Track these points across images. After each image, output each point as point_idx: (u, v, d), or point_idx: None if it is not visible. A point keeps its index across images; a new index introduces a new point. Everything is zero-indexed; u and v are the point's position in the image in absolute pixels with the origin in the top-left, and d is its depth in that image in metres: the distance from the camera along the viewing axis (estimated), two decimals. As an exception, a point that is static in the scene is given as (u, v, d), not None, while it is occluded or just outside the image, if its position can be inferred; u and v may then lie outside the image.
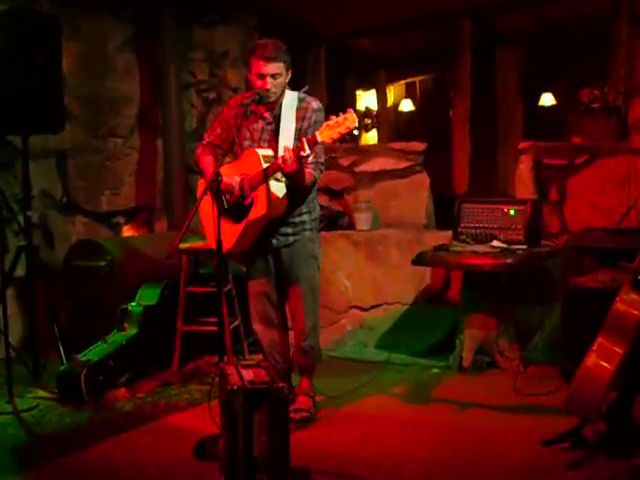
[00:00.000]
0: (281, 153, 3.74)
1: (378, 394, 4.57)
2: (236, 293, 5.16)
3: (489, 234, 4.95)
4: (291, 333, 4.28)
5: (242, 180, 3.90)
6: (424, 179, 6.17)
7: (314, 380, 4.27)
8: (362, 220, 5.98)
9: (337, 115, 3.54)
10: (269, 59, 3.82)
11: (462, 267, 4.92)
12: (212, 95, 6.62)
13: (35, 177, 5.47)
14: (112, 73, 6.25)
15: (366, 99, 9.89)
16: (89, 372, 4.53)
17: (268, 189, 3.81)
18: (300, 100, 4.02)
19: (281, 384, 3.09)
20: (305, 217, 4.08)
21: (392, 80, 9.91)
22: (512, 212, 4.93)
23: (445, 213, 5.62)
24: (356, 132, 3.55)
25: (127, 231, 6.43)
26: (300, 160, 3.68)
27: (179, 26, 6.25)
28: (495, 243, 4.85)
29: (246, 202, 3.89)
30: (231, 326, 5.09)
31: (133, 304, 5.09)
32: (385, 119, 9.65)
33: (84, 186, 6.26)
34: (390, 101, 10.06)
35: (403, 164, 6.21)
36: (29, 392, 4.70)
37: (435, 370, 5.04)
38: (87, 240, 5.63)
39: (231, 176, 3.89)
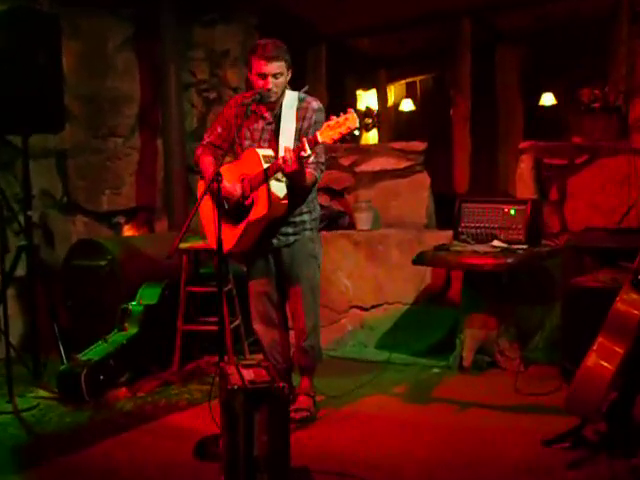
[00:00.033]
0: (282, 153, 3.74)
1: (378, 394, 4.57)
2: (236, 293, 5.16)
3: (489, 234, 4.95)
4: (291, 333, 4.27)
5: (242, 180, 3.90)
6: (424, 179, 6.17)
7: (314, 380, 4.27)
8: (363, 220, 5.98)
9: (338, 115, 3.54)
10: (270, 58, 3.82)
11: (463, 267, 4.92)
12: (212, 95, 6.62)
13: (35, 177, 5.47)
14: (112, 72, 6.25)
15: (366, 99, 9.89)
16: (89, 372, 4.53)
17: (269, 189, 3.81)
18: (300, 100, 4.02)
19: (281, 384, 3.09)
20: (305, 217, 4.08)
21: (392, 80, 9.91)
22: (512, 212, 4.93)
23: (445, 213, 5.62)
24: (357, 132, 3.55)
25: (127, 231, 6.44)
26: (301, 160, 3.68)
27: (179, 25, 6.25)
28: (495, 243, 4.85)
29: (246, 202, 3.89)
30: (231, 326, 5.09)
31: (133, 304, 5.09)
32: (386, 119, 9.65)
33: (84, 186, 6.26)
34: (390, 101, 10.06)
35: (404, 164, 6.21)
36: (29, 392, 4.70)
37: (435, 370, 5.04)
38: (87, 240, 5.63)
39: (231, 179, 3.89)
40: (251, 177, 3.85)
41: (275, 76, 3.85)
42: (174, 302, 5.06)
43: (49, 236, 6.16)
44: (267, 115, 4.01)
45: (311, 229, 4.13)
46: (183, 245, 4.84)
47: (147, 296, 5.14)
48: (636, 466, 3.24)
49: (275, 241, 4.06)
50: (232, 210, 3.91)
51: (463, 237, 5.02)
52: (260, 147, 3.95)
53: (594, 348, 3.31)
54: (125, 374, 4.81)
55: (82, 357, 4.70)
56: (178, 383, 4.84)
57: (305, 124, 3.96)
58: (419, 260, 4.90)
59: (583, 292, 4.43)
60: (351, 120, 3.50)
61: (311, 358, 4.21)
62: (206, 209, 3.99)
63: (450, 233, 5.21)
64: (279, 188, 3.84)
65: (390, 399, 4.52)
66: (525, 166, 5.49)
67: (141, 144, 6.44)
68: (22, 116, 4.90)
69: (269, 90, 3.85)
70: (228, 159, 4.10)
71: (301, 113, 3.98)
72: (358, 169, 6.33)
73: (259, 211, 3.85)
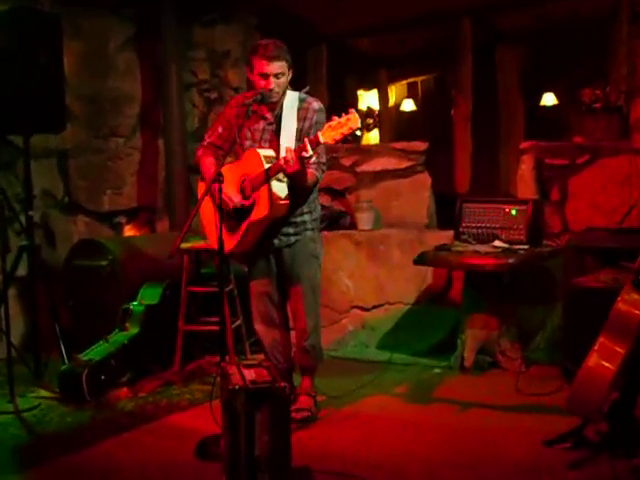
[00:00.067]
0: (283, 154, 3.74)
1: (380, 394, 4.57)
2: (238, 293, 5.16)
3: (491, 234, 4.95)
4: (293, 333, 4.27)
5: (243, 181, 3.90)
6: (426, 179, 6.17)
7: (315, 380, 4.27)
8: (364, 220, 5.98)
9: (339, 115, 3.54)
10: (272, 58, 3.82)
11: (464, 267, 4.92)
12: (214, 95, 6.62)
13: (37, 177, 5.48)
14: (113, 72, 6.25)
15: (367, 99, 9.89)
16: (91, 372, 4.54)
17: (270, 190, 3.80)
18: (301, 100, 4.02)
19: (283, 384, 3.09)
20: (306, 217, 4.08)
21: (393, 80, 9.90)
22: (514, 212, 4.93)
23: (447, 213, 5.62)
24: (359, 132, 3.55)
25: (129, 231, 6.44)
26: (302, 161, 3.68)
27: (180, 25, 6.24)
28: (497, 243, 4.85)
29: (247, 203, 3.89)
30: (233, 326, 5.09)
31: (135, 304, 5.10)
32: (387, 119, 9.64)
33: (86, 186, 6.26)
34: (392, 101, 10.05)
35: (405, 164, 6.21)
36: (30, 391, 4.71)
37: (437, 370, 5.04)
38: (89, 240, 5.63)
39: (232, 179, 3.89)
40: (252, 177, 3.85)
41: (277, 76, 3.85)
42: (175, 302, 5.06)
43: (50, 236, 6.16)
44: (268, 115, 4.01)
45: (312, 229, 4.13)
46: (184, 245, 4.84)
47: (148, 296, 5.14)
48: (637, 466, 3.24)
49: (276, 241, 4.06)
50: (233, 211, 3.91)
51: (464, 237, 5.02)
52: (261, 147, 3.95)
53: (595, 348, 3.31)
54: (126, 374, 4.81)
55: (83, 357, 4.70)
56: (179, 383, 4.84)
57: (306, 124, 3.96)
58: (420, 260, 4.90)
59: (584, 292, 4.43)
60: (353, 120, 3.51)
61: (312, 358, 4.21)
62: (207, 209, 3.99)
63: (451, 233, 5.21)
64: (280, 188, 3.84)
65: (391, 399, 4.52)
66: (526, 166, 5.48)
67: (142, 144, 6.45)
68: (23, 116, 4.90)
69: (271, 90, 3.85)
70: (229, 159, 4.10)
71: (302, 113, 3.98)
72: (359, 169, 6.33)
73: (260, 211, 3.85)
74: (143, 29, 6.33)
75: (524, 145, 5.60)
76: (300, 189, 3.93)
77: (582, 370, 3.32)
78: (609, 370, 3.24)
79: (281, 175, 3.80)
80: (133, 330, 4.99)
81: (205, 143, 4.16)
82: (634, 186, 5.03)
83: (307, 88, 4.18)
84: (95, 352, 4.75)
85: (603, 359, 3.27)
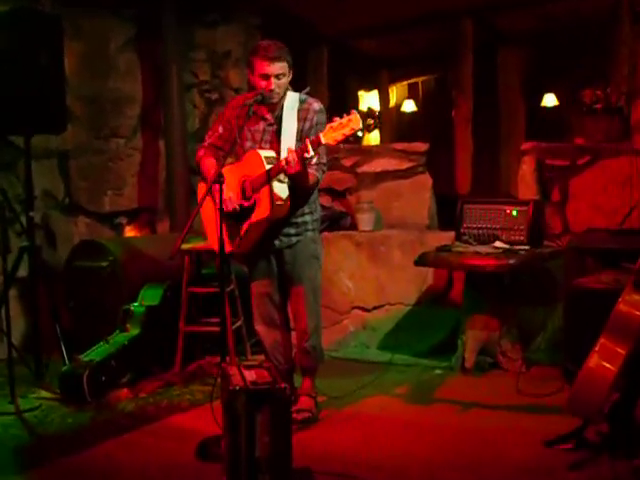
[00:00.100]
0: (284, 155, 3.74)
1: (380, 395, 4.57)
2: (239, 294, 5.16)
3: (491, 235, 4.95)
4: (293, 334, 4.27)
5: (244, 182, 3.90)
6: (426, 180, 6.17)
7: (316, 381, 4.27)
8: (365, 221, 5.98)
9: (341, 117, 3.54)
10: (273, 59, 3.82)
11: (464, 268, 4.92)
12: (214, 96, 6.62)
13: (37, 177, 5.48)
14: (114, 73, 6.25)
15: (368, 99, 9.89)
16: (91, 372, 4.53)
17: (271, 191, 3.80)
18: (301, 101, 4.02)
19: (283, 385, 3.09)
20: (307, 218, 4.08)
21: (394, 80, 9.91)
22: (514, 213, 4.93)
23: (447, 214, 5.61)
24: (360, 134, 3.55)
25: (129, 232, 6.44)
26: (304, 162, 3.68)
27: (180, 26, 6.25)
28: (497, 244, 4.84)
29: (248, 204, 3.89)
30: (233, 327, 5.09)
31: (135, 304, 5.10)
32: (387, 120, 9.65)
33: (86, 187, 6.26)
34: (392, 102, 10.06)
35: (405, 165, 6.21)
36: (31, 392, 4.70)
37: (437, 371, 5.04)
38: (89, 240, 5.63)
39: (233, 180, 3.89)
40: (253, 178, 3.85)
41: (278, 77, 3.86)
42: (176, 303, 5.06)
43: (51, 237, 6.16)
44: (268, 116, 4.01)
45: (313, 230, 4.13)
46: (185, 246, 4.84)
47: (149, 297, 5.14)
48: (638, 467, 3.24)
49: (277, 242, 4.06)
50: (234, 211, 3.91)
51: (465, 238, 5.02)
52: (261, 148, 3.95)
53: (596, 349, 3.31)
54: (127, 375, 4.81)
55: (84, 358, 4.69)
56: (180, 384, 4.84)
57: (306, 125, 3.96)
58: (421, 261, 4.90)
59: (585, 293, 4.42)
60: (354, 121, 3.50)
61: (313, 359, 4.21)
62: (208, 210, 3.99)
63: (452, 234, 5.21)
64: (281, 189, 3.84)
65: (392, 400, 4.52)
66: (527, 167, 5.48)
67: (143, 145, 6.45)
68: (24, 117, 4.90)
69: (272, 91, 3.86)
70: (230, 160, 4.10)
71: (302, 114, 3.98)
72: (360, 170, 6.33)
73: (261, 212, 3.85)
74: (144, 30, 6.33)
75: (525, 146, 5.60)
76: (301, 190, 3.93)
77: (583, 371, 3.31)
78: (610, 371, 3.24)
79: (282, 176, 3.79)
80: (134, 331, 4.98)
81: (206, 144, 4.16)
82: (635, 187, 5.03)
83: (308, 89, 4.18)
84: (96, 353, 4.75)
85: (604, 360, 3.27)
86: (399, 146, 6.35)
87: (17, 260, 4.99)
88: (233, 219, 3.92)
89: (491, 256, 4.67)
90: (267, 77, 3.85)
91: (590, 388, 3.27)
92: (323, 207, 4.45)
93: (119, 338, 4.92)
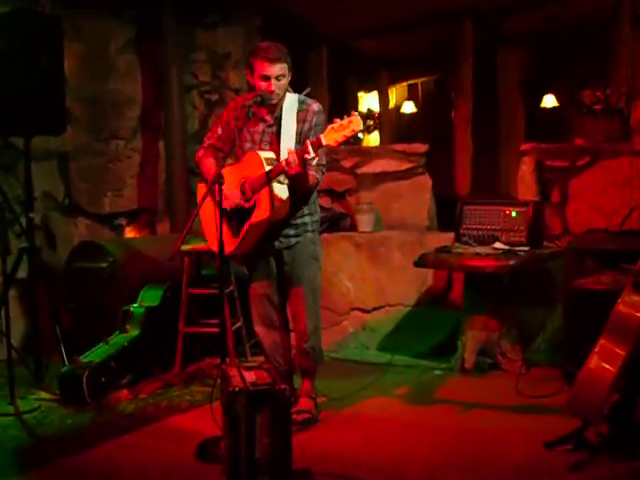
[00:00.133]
0: (284, 156, 3.74)
1: (380, 396, 4.56)
2: (238, 295, 5.16)
3: (491, 236, 4.95)
4: (293, 335, 4.27)
5: (244, 183, 3.90)
6: (426, 181, 6.17)
7: (316, 382, 4.27)
8: (364, 222, 5.97)
9: (341, 118, 3.54)
10: (273, 60, 3.83)
11: (464, 269, 4.92)
12: (214, 97, 6.62)
13: (37, 179, 5.47)
14: (114, 74, 6.25)
15: (368, 101, 9.90)
16: (91, 373, 4.53)
17: (271, 192, 3.80)
18: (300, 102, 4.02)
19: (283, 386, 3.09)
20: (307, 219, 4.09)
21: (394, 82, 9.93)
22: (514, 214, 4.93)
23: (447, 215, 5.62)
24: (361, 135, 3.55)
25: (129, 233, 6.44)
26: (304, 163, 3.68)
27: (181, 27, 6.25)
28: (497, 245, 4.85)
29: (248, 205, 3.89)
30: (233, 328, 5.09)
31: (135, 305, 5.10)
32: (387, 121, 9.66)
33: (86, 188, 6.26)
34: (392, 103, 10.07)
35: (405, 166, 6.20)
36: (31, 393, 4.70)
37: (437, 372, 5.04)
38: (89, 242, 5.62)
39: (233, 181, 3.89)
40: (253, 180, 3.85)
41: (278, 78, 3.86)
42: (176, 304, 5.06)
43: (51, 238, 6.16)
44: (267, 118, 4.01)
45: (312, 231, 4.13)
46: (185, 247, 4.83)
47: (149, 298, 5.14)
48: (638, 468, 3.24)
49: (276, 243, 4.06)
50: (233, 212, 3.91)
51: (465, 239, 5.02)
52: (261, 149, 3.95)
53: (596, 350, 3.31)
54: (127, 376, 4.81)
55: (84, 359, 4.69)
56: (180, 385, 4.84)
57: (306, 126, 3.96)
58: (421, 262, 4.90)
59: (585, 294, 4.42)
60: (355, 123, 3.51)
61: (312, 360, 4.21)
62: (207, 211, 3.99)
63: (452, 235, 5.21)
64: (281, 190, 3.84)
65: (392, 401, 4.52)
66: (527, 168, 5.48)
67: (143, 146, 6.45)
68: (24, 118, 4.90)
69: (272, 92, 3.86)
70: (229, 161, 4.10)
71: (302, 115, 3.98)
72: (359, 171, 6.33)
73: (261, 214, 3.85)
74: (144, 31, 6.33)
75: (524, 147, 5.60)
76: (301, 191, 3.93)
77: (583, 372, 3.31)
78: (610, 372, 3.24)
79: (282, 177, 3.79)
80: (133, 332, 4.98)
81: (205, 145, 4.16)
82: (635, 188, 5.03)
83: (308, 90, 4.18)
84: (95, 354, 4.75)
85: (604, 361, 3.27)
86: (399, 147, 6.35)
87: (17, 261, 4.99)
88: (233, 220, 3.92)
89: (491, 257, 4.67)
90: (267, 78, 3.85)
91: (590, 389, 3.27)
92: (323, 208, 4.45)
93: (119, 339, 4.92)
